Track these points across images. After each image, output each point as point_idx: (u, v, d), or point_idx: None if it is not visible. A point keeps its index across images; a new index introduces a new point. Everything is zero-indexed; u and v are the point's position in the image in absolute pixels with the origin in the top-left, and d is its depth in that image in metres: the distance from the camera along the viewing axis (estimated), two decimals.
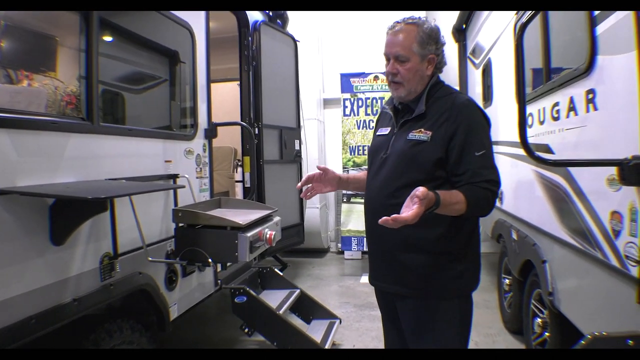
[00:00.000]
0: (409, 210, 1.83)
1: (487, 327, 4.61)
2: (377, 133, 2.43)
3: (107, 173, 2.58)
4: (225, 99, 6.77)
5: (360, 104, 7.72)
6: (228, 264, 2.99)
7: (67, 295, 2.29)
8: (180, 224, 2.65)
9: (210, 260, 2.43)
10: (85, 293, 2.39)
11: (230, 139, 6.23)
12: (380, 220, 1.84)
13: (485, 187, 2.04)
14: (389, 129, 2.33)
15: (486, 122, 2.17)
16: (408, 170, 2.15)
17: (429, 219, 2.12)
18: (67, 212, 2.17)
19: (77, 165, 2.38)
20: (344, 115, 7.74)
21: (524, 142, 2.38)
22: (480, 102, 5.91)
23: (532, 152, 2.39)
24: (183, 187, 3.17)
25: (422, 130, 2.13)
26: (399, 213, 2.11)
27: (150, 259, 2.61)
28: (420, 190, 1.83)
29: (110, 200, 2.50)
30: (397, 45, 2.15)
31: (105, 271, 2.51)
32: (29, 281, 2.08)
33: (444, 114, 2.11)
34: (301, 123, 6.09)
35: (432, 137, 2.10)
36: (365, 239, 2.43)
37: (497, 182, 2.09)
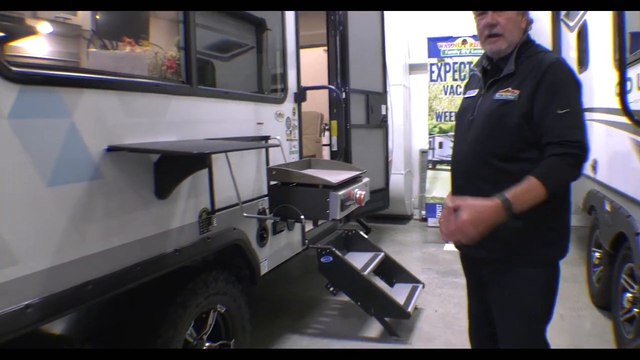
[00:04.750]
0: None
1: (573, 301, 4.49)
2: (465, 96, 2.39)
3: (204, 133, 2.72)
4: (312, 64, 6.84)
5: (447, 69, 7.55)
6: (320, 221, 3.08)
7: (169, 245, 2.46)
8: (274, 182, 2.76)
9: (302, 216, 2.53)
10: (185, 244, 2.56)
11: (316, 104, 6.32)
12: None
13: (565, 152, 1.93)
14: (476, 90, 2.29)
15: (575, 82, 2.06)
16: (495, 131, 2.11)
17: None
18: (171, 168, 2.33)
19: (178, 126, 2.53)
20: (431, 80, 7.61)
21: (624, 107, 2.27)
22: (574, 67, 5.63)
23: (632, 117, 2.29)
24: (278, 145, 3.30)
25: (510, 89, 2.08)
26: (486, 175, 2.13)
27: (245, 214, 2.75)
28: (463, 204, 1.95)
29: (208, 158, 2.65)
30: None
31: (203, 225, 2.67)
32: (136, 231, 2.26)
33: (532, 72, 2.05)
34: (387, 88, 6.07)
35: (520, 95, 2.05)
36: None
37: (581, 143, 1.95)
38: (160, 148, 2.22)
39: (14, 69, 1.74)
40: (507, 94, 2.08)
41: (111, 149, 2.11)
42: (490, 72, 2.23)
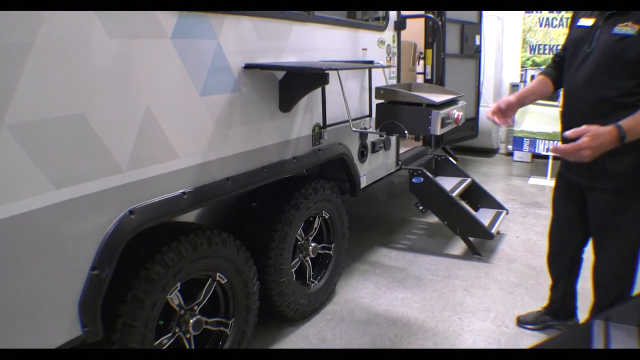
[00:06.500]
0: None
1: None
2: (578, 24, 2.38)
3: (318, 56, 3.02)
4: None
5: None
6: (413, 146, 3.34)
7: (288, 153, 2.84)
8: (381, 101, 3.04)
9: (405, 132, 2.82)
10: (301, 154, 2.93)
11: (410, 34, 6.43)
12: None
13: None
14: (592, 20, 2.29)
15: None
16: (613, 66, 2.15)
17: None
18: (294, 85, 2.66)
19: (298, 49, 2.84)
20: (526, 12, 7.44)
21: None
22: None
23: None
24: (387, 66, 3.58)
25: (629, 24, 2.08)
26: (602, 109, 2.20)
27: (353, 129, 3.08)
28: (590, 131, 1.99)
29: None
30: None
31: (315, 138, 3.03)
32: (264, 138, 2.64)
33: None
34: (481, 19, 6.08)
35: None
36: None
37: None
38: (290, 66, 2.56)
39: None
40: (626, 28, 2.09)
41: (247, 67, 2.46)
42: None
